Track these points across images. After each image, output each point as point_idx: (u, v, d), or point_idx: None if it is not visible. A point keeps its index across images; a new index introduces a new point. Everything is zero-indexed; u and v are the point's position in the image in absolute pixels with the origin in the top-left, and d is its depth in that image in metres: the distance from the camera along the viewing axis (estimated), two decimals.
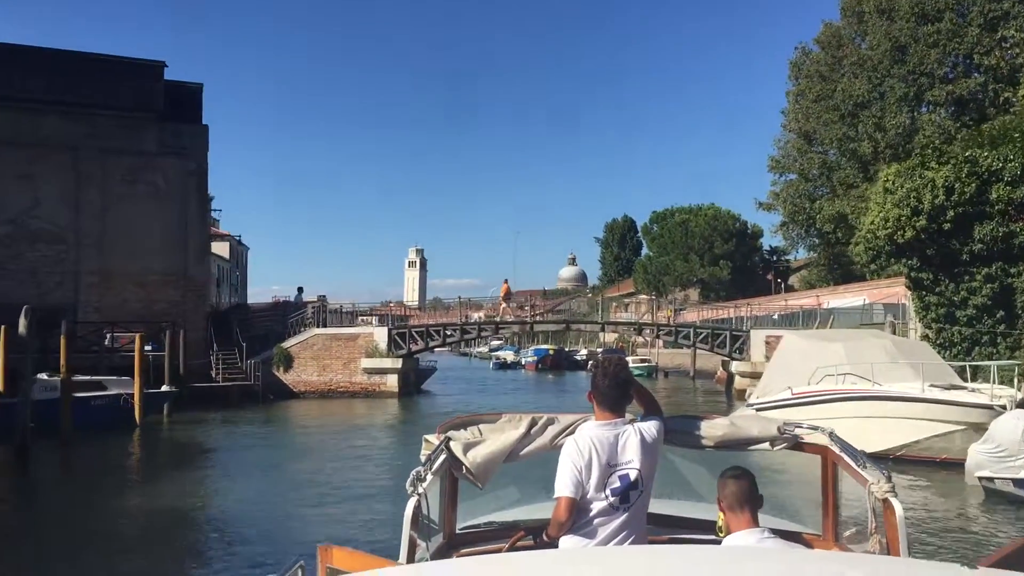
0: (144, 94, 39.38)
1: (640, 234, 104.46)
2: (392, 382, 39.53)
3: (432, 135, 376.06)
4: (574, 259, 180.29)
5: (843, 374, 20.34)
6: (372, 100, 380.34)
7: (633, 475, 3.80)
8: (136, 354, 26.85)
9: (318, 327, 40.37)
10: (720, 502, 3.62)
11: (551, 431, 4.08)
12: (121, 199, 38.81)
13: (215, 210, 65.85)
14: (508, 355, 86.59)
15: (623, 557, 2.70)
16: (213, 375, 37.70)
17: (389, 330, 40.07)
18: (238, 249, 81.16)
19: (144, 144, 39.41)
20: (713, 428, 4.20)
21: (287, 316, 41.64)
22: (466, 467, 3.93)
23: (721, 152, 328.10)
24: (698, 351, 53.88)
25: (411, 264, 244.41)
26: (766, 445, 4.21)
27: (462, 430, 4.16)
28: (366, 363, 39.46)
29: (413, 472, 3.62)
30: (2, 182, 36.95)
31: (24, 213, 37.39)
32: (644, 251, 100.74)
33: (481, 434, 4.11)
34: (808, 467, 4.93)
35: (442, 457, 3.86)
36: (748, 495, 3.57)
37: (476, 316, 48.79)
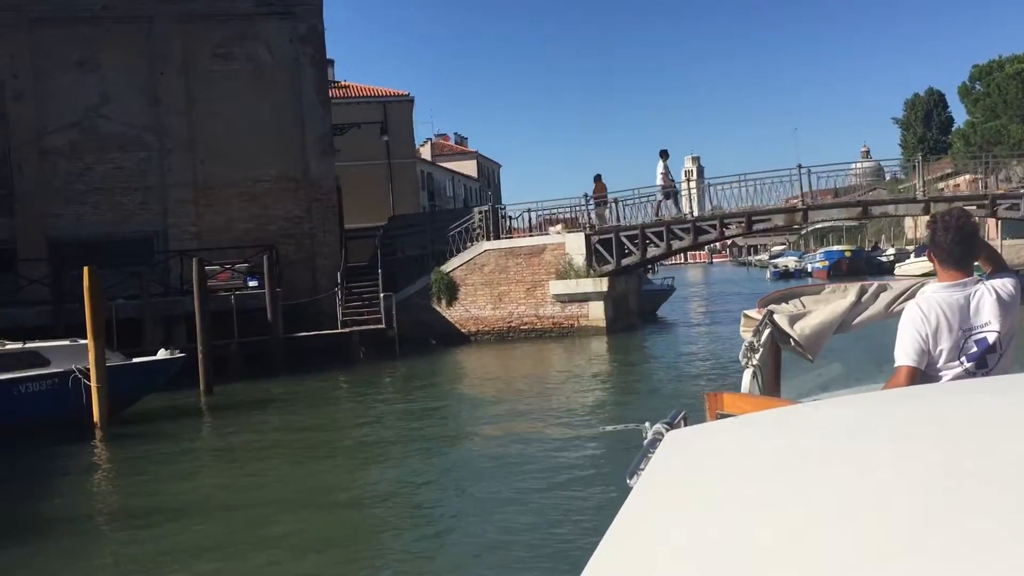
0: None
1: (957, 99, 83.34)
2: (596, 312, 26.39)
3: (701, 36, 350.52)
4: (867, 152, 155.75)
5: None
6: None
7: (991, 338, 3.30)
8: (86, 296, 15.47)
9: (487, 239, 27.84)
10: None
11: (885, 298, 3.74)
12: (213, 82, 28.25)
13: (442, 134, 56.36)
14: (790, 261, 69.57)
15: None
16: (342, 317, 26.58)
17: (587, 236, 26.70)
18: (488, 166, 72.28)
19: (236, 4, 28.54)
20: None
21: (448, 228, 29.36)
22: (794, 339, 3.66)
23: None
24: None
25: (688, 174, 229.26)
26: None
27: (784, 303, 3.87)
28: (556, 287, 26.57)
29: (744, 344, 3.57)
30: (58, 73, 27.34)
31: (90, 112, 27.73)
32: (960, 122, 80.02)
33: (804, 306, 3.82)
34: None
35: (767, 331, 3.65)
36: None
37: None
